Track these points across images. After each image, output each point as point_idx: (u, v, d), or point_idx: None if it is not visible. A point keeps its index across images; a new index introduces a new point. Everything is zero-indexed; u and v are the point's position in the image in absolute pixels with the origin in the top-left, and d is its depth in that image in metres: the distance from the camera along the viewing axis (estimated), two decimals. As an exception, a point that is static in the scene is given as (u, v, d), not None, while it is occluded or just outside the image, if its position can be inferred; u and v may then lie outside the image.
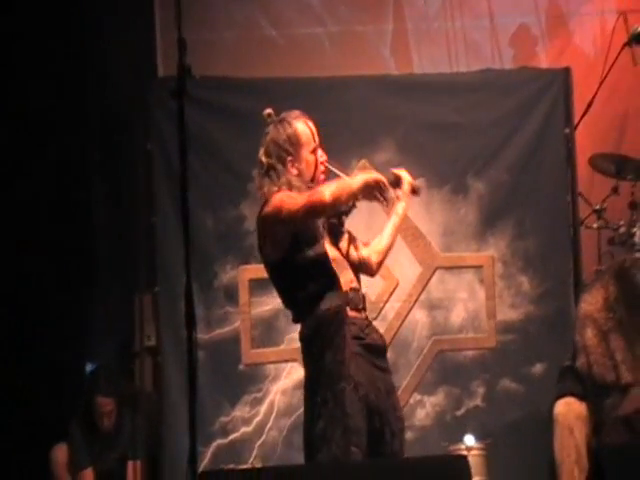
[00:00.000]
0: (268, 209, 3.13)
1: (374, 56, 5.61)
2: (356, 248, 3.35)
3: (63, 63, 4.69)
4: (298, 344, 4.32)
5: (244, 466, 3.98)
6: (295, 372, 4.22)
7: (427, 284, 4.44)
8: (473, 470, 2.98)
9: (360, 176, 3.12)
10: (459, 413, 4.31)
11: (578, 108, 4.89)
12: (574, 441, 3.81)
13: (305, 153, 3.22)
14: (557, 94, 4.70)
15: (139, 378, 4.53)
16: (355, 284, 3.22)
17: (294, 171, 3.18)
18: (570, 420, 3.81)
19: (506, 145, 4.62)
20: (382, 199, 3.13)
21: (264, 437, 4.20)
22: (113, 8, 4.99)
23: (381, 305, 4.33)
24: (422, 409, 4.27)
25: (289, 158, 3.19)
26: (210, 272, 4.31)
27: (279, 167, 3.17)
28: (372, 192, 3.10)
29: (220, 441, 4.18)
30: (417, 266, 4.42)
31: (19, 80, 4.67)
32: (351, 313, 3.13)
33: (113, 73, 4.78)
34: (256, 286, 4.29)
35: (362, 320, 3.17)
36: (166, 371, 4.20)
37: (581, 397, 3.84)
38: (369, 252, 3.35)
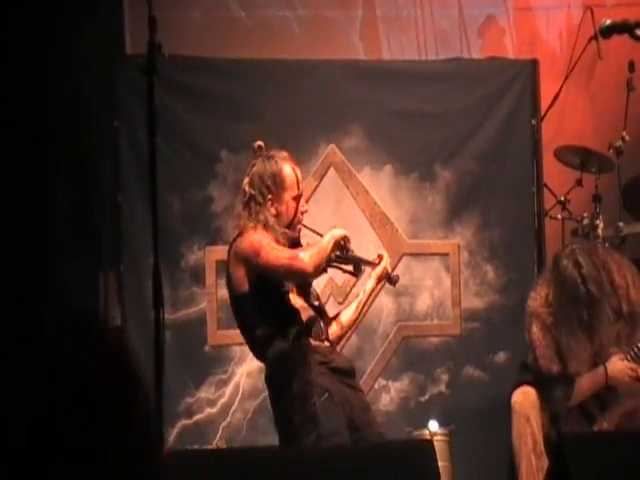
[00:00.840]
0: (244, 246, 3.18)
1: (343, 41, 5.62)
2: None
3: (28, 38, 4.63)
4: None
5: (208, 447, 4.00)
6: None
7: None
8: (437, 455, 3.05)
9: (330, 235, 3.20)
10: (423, 399, 4.37)
11: (545, 100, 4.98)
12: (530, 429, 3.89)
13: (287, 197, 3.27)
14: (524, 85, 4.78)
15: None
16: (315, 316, 3.28)
17: (273, 211, 3.23)
18: (526, 408, 3.89)
19: (474, 135, 4.69)
20: (354, 272, 3.33)
21: (229, 419, 4.22)
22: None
23: (348, 290, 4.37)
24: (387, 394, 4.32)
25: (269, 196, 3.24)
26: (177, 253, 4.31)
27: (260, 201, 3.22)
28: (340, 246, 3.21)
29: (185, 422, 4.19)
30: (384, 253, 4.46)
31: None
32: (314, 342, 3.21)
33: (79, 49, 4.72)
34: (223, 267, 4.21)
35: (325, 348, 3.25)
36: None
37: (537, 387, 3.92)
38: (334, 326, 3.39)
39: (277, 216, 3.24)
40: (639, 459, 2.27)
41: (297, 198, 3.28)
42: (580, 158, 4.98)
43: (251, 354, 4.27)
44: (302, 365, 3.12)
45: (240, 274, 3.19)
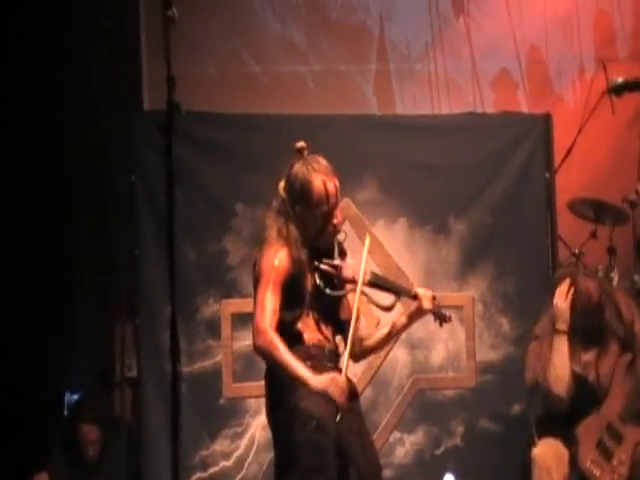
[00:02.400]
0: (258, 263, 3.25)
1: (357, 95, 5.79)
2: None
3: (50, 94, 4.80)
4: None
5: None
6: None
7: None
8: (453, 509, 3.09)
9: (325, 379, 3.10)
10: (438, 452, 4.43)
11: (558, 153, 5.10)
12: (552, 482, 3.96)
13: (315, 211, 3.22)
14: (538, 139, 4.89)
15: (119, 409, 4.61)
16: (322, 340, 3.24)
17: (299, 223, 3.22)
18: (548, 461, 3.94)
19: (488, 187, 4.80)
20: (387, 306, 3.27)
21: (244, 472, 4.29)
22: (100, 40, 5.13)
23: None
24: (401, 447, 4.38)
25: (297, 207, 3.22)
26: (192, 305, 4.41)
27: (288, 210, 3.23)
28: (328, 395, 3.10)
29: (200, 475, 4.26)
30: (398, 305, 4.55)
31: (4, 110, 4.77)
32: (312, 365, 3.17)
33: (100, 105, 4.90)
34: (238, 320, 4.39)
35: (323, 370, 3.18)
36: (146, 403, 4.28)
37: (559, 436, 3.99)
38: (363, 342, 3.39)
39: (303, 227, 3.22)
40: None
41: (326, 214, 3.21)
42: (594, 211, 5.08)
43: (266, 407, 4.40)
44: (291, 391, 3.11)
45: None
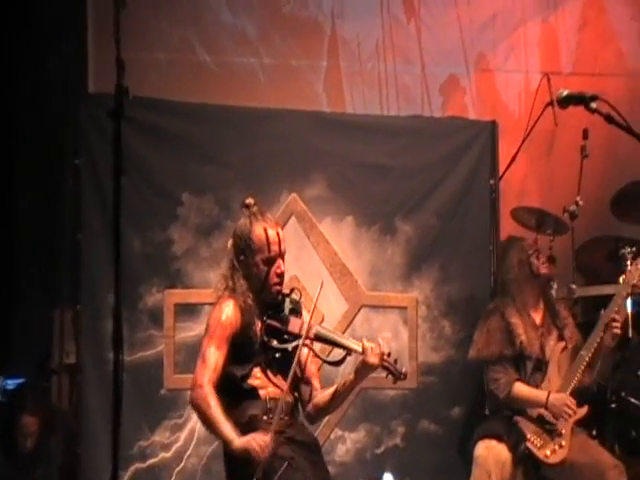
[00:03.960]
0: (209, 317, 3.32)
1: (307, 91, 5.79)
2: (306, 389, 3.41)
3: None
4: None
5: (162, 492, 4.03)
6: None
7: (352, 321, 4.60)
8: (392, 508, 3.12)
9: (245, 439, 3.13)
10: (379, 451, 4.45)
11: (503, 161, 5.18)
12: (490, 484, 4.05)
13: (257, 259, 3.32)
14: (484, 145, 4.95)
15: (57, 397, 4.52)
16: (277, 394, 3.27)
17: (243, 272, 3.31)
18: (489, 464, 4.05)
19: (434, 191, 4.83)
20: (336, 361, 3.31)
21: (183, 464, 4.24)
22: (47, 22, 5.02)
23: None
24: (343, 445, 4.39)
25: (242, 257, 3.33)
26: (135, 294, 4.34)
27: (234, 263, 3.33)
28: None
29: (138, 465, 4.19)
30: (343, 302, 4.58)
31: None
32: (269, 420, 3.22)
33: (46, 87, 4.79)
34: (181, 311, 4.35)
35: (283, 422, 3.25)
36: (86, 391, 4.20)
37: (500, 437, 4.09)
38: (309, 405, 3.41)
39: (249, 279, 3.30)
40: None
41: (267, 261, 3.31)
42: (536, 219, 5.18)
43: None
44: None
45: None
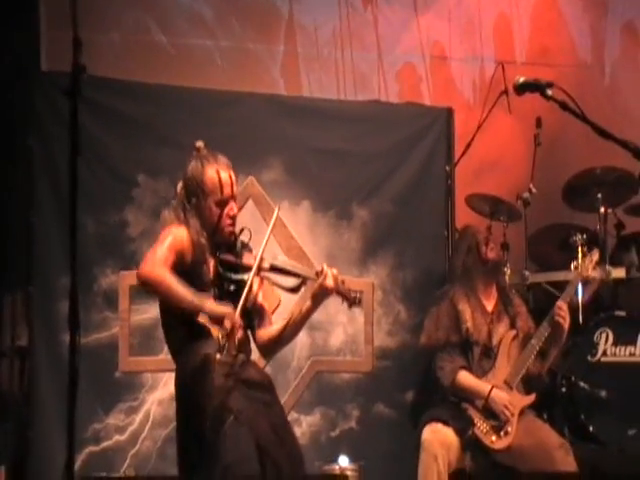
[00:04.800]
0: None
1: (264, 75, 5.71)
2: (260, 322, 3.35)
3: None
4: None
5: (116, 475, 3.94)
6: (172, 383, 4.18)
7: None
8: (346, 491, 3.08)
9: (212, 304, 3.09)
10: (334, 434, 4.42)
11: (458, 148, 5.18)
12: (437, 468, 4.02)
13: (209, 201, 3.24)
14: (440, 132, 4.93)
15: (7, 380, 4.39)
16: (233, 332, 3.15)
17: (196, 215, 3.23)
18: (435, 447, 4.03)
19: (391, 176, 4.80)
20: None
21: (138, 447, 4.16)
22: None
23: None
24: (298, 428, 4.33)
25: (193, 199, 3.24)
26: (90, 276, 4.24)
27: (185, 205, 3.24)
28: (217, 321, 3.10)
29: (92, 448, 4.11)
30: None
31: None
32: (223, 358, 3.13)
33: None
34: (137, 293, 4.26)
35: (235, 361, 3.16)
36: (38, 374, 4.09)
37: (447, 422, 4.07)
38: (262, 333, 3.34)
39: (201, 219, 3.22)
40: None
41: (220, 203, 3.24)
42: (490, 206, 5.18)
43: (163, 381, 4.29)
44: (205, 381, 3.06)
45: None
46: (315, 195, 4.70)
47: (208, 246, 3.23)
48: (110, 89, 4.55)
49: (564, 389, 4.73)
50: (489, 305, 4.36)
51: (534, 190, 5.22)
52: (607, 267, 4.91)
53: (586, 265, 4.41)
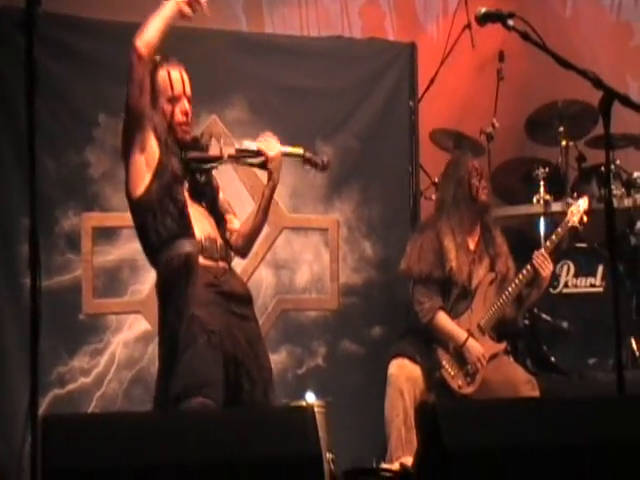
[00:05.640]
0: None
1: (226, 11, 5.49)
2: (226, 220, 3.33)
3: None
4: (141, 296, 4.22)
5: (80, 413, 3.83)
6: (138, 324, 4.10)
7: (273, 243, 4.43)
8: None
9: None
10: (300, 372, 4.34)
11: (422, 84, 5.03)
12: (403, 402, 3.96)
13: (161, 101, 3.23)
14: (403, 67, 4.80)
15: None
16: (213, 234, 3.18)
17: (152, 116, 3.20)
18: (401, 382, 3.96)
19: (355, 112, 4.67)
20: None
21: (104, 389, 4.05)
22: None
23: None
24: (265, 366, 4.27)
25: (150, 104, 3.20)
26: (51, 218, 4.08)
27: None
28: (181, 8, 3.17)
29: (57, 391, 3.98)
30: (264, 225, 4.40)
31: None
32: (205, 262, 3.10)
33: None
34: (100, 235, 4.12)
35: (218, 268, 3.12)
36: (-1, 317, 3.98)
37: (414, 358, 3.99)
38: (236, 234, 3.31)
39: (156, 125, 3.19)
40: (504, 423, 2.32)
41: (171, 100, 3.21)
42: (453, 141, 5.09)
43: (128, 323, 4.17)
44: (186, 284, 3.01)
45: (136, 167, 3.12)
46: (279, 133, 4.48)
47: (173, 145, 3.20)
48: (68, 26, 4.37)
49: (527, 321, 4.69)
50: (472, 243, 4.15)
51: (497, 124, 5.14)
52: (568, 199, 4.84)
53: (576, 217, 4.25)
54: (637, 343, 4.69)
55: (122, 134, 3.21)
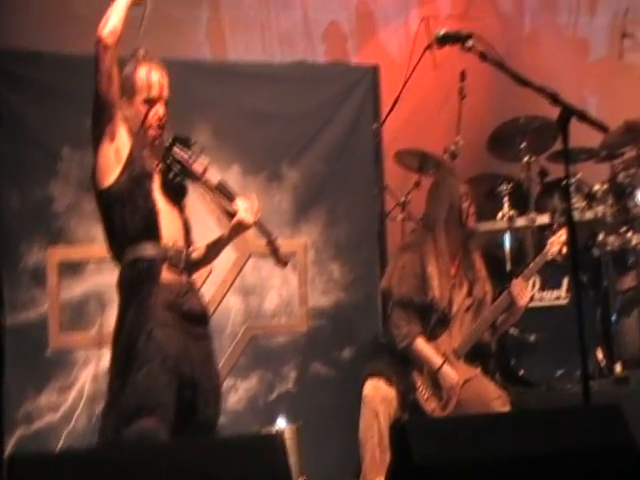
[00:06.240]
0: None
1: (188, 40, 5.44)
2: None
3: None
4: (109, 329, 4.11)
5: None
6: (106, 358, 3.95)
7: (241, 270, 4.36)
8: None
9: None
10: (271, 397, 4.26)
11: (385, 105, 4.99)
12: (377, 424, 3.89)
13: (137, 100, 3.11)
14: (366, 90, 4.78)
15: None
16: (180, 242, 3.07)
17: (125, 114, 3.08)
18: (376, 403, 3.89)
19: (319, 136, 4.64)
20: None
21: (72, 424, 3.94)
22: None
23: (195, 290, 4.19)
24: (235, 394, 4.18)
25: (124, 97, 3.09)
26: (15, 253, 3.99)
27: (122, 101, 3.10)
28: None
29: (24, 430, 3.88)
30: (232, 251, 4.32)
31: None
32: (169, 275, 3.00)
33: None
34: (66, 269, 4.04)
35: (180, 285, 3.03)
36: (-37, 356, 3.86)
37: (389, 379, 3.92)
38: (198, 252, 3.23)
39: (128, 120, 3.07)
40: (474, 439, 2.30)
41: (148, 101, 3.09)
42: (418, 161, 5.05)
43: (96, 357, 4.07)
44: (145, 293, 2.92)
45: (105, 157, 3.03)
46: (244, 158, 4.50)
47: (143, 136, 3.09)
48: (28, 60, 4.30)
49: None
50: (453, 268, 4.06)
51: (461, 142, 5.11)
52: (532, 214, 4.80)
53: (555, 248, 4.18)
54: (602, 353, 4.66)
55: (92, 123, 3.09)
